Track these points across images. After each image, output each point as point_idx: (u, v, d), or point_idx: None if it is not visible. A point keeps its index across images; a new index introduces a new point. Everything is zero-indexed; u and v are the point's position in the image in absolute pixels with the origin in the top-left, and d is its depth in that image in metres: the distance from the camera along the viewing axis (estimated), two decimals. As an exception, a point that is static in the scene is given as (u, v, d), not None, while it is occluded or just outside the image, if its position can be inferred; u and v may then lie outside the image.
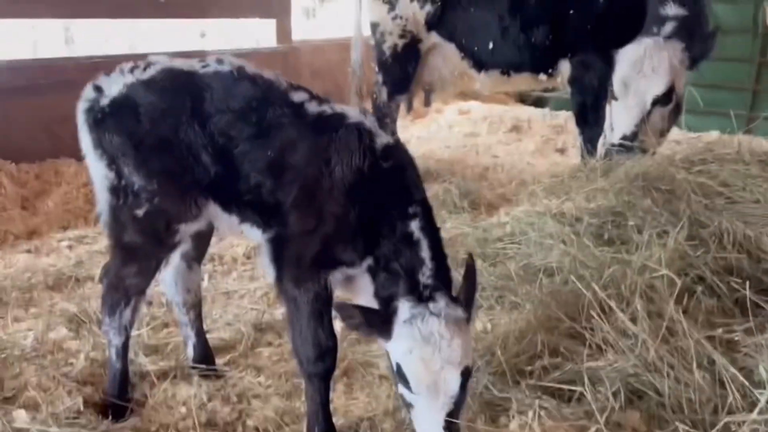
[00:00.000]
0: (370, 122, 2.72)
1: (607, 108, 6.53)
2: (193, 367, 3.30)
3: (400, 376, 2.41)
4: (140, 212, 2.77)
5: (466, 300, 2.51)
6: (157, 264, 2.91)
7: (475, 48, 6.66)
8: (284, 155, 2.66)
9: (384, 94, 6.96)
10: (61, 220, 5.44)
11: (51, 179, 5.90)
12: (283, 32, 8.13)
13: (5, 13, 5.80)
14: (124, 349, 3.02)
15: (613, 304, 3.15)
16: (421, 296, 2.46)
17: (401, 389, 2.45)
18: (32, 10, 5.81)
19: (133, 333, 3.44)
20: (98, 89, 2.80)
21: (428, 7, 6.57)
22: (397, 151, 2.71)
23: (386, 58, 6.85)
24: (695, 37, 5.45)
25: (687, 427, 2.71)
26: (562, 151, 8.15)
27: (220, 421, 2.88)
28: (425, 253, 2.53)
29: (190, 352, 3.36)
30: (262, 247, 2.81)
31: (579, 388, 2.91)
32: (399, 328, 2.41)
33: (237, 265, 4.68)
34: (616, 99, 5.65)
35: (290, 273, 2.67)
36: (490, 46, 6.58)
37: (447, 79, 7.13)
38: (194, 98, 2.71)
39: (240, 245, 4.88)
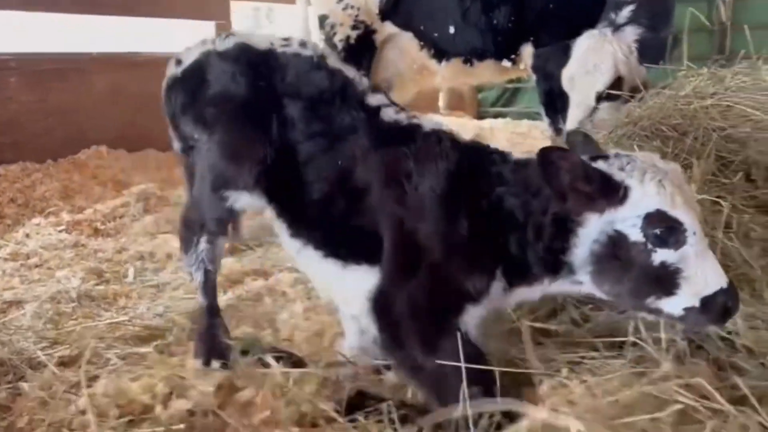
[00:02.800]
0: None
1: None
2: None
3: (662, 228, 1.85)
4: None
5: None
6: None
7: (435, 35, 6.16)
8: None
9: (338, 92, 6.35)
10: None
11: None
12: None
13: None
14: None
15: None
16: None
17: (663, 255, 1.87)
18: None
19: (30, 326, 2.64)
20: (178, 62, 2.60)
21: (381, -7, 6.09)
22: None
23: (338, 52, 6.26)
24: (657, 21, 5.08)
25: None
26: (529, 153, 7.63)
27: (135, 409, 2.03)
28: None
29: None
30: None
31: (626, 338, 2.18)
32: (631, 179, 1.90)
33: (172, 262, 3.85)
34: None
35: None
36: (451, 30, 6.10)
37: (405, 74, 6.59)
38: (265, 76, 2.39)
39: (176, 240, 4.07)
